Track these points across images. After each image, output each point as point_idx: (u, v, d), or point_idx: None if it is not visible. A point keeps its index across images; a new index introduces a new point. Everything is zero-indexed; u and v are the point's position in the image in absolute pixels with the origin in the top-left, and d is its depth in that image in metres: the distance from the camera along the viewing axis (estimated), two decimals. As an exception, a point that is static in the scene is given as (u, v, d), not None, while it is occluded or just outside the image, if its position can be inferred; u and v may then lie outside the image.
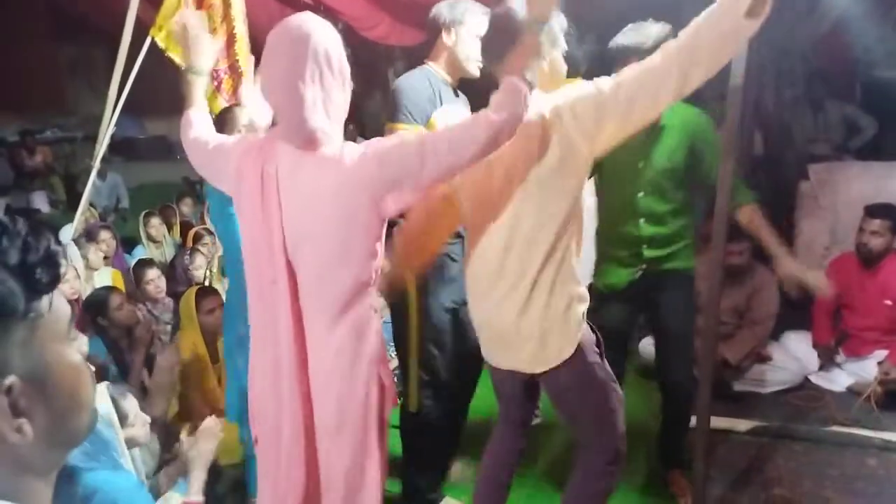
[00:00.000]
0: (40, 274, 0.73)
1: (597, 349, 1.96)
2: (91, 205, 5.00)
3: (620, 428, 2.03)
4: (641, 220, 2.47)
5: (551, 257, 1.82)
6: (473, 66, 2.39)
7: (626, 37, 2.33)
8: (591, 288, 2.62)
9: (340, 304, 1.63)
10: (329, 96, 1.59)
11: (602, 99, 1.69)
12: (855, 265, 3.69)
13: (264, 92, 1.66)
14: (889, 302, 3.57)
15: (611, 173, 2.49)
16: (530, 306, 1.85)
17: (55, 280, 0.76)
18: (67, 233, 3.97)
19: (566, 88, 1.79)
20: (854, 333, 3.69)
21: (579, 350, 1.89)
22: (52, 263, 0.75)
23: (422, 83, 2.40)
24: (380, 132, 2.70)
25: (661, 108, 1.73)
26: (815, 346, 3.77)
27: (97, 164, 3.92)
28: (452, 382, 2.56)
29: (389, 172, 1.55)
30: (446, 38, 2.41)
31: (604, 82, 1.72)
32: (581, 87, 1.75)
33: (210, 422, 2.12)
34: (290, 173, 1.61)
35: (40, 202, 7.50)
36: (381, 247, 1.66)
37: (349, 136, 7.47)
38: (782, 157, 5.78)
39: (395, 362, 3.96)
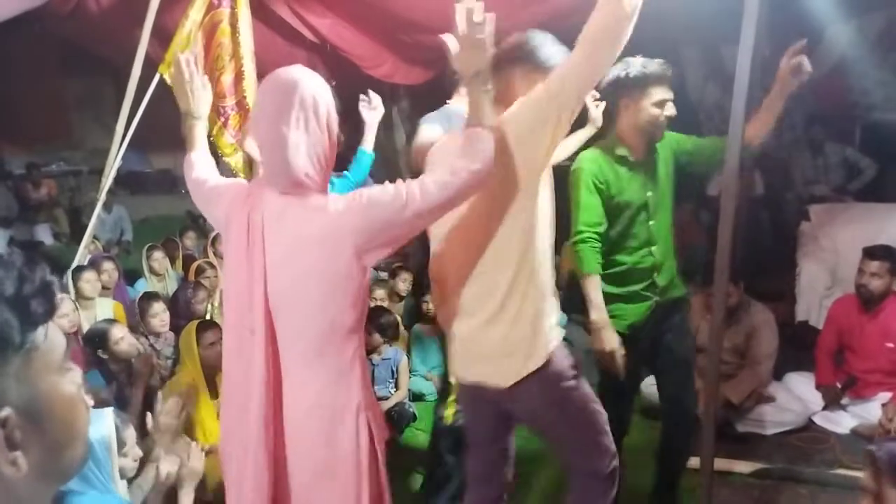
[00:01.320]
0: (36, 305, 0.73)
1: (574, 370, 1.97)
2: (95, 237, 5.02)
3: (610, 447, 2.03)
4: (653, 248, 2.53)
5: (522, 270, 1.86)
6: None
7: (647, 66, 2.43)
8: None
9: (322, 350, 1.62)
10: (314, 143, 1.60)
11: (543, 104, 1.78)
12: (856, 307, 3.69)
13: (253, 136, 1.68)
14: (891, 344, 3.55)
15: (625, 208, 2.52)
16: (500, 317, 1.88)
17: (50, 311, 0.76)
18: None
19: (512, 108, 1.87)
20: (857, 375, 3.67)
21: (553, 369, 1.90)
22: (47, 295, 0.74)
23: (442, 112, 2.57)
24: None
25: (584, 98, 1.87)
26: (817, 387, 3.75)
27: (103, 196, 3.95)
28: None
29: (372, 222, 1.57)
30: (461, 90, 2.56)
31: (539, 89, 1.80)
32: (522, 101, 1.85)
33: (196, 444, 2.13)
34: (275, 220, 1.61)
35: (44, 235, 7.53)
36: (365, 293, 1.66)
37: (352, 172, 7.52)
38: (783, 198, 5.82)
39: (395, 398, 3.95)
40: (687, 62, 5.87)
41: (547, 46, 1.92)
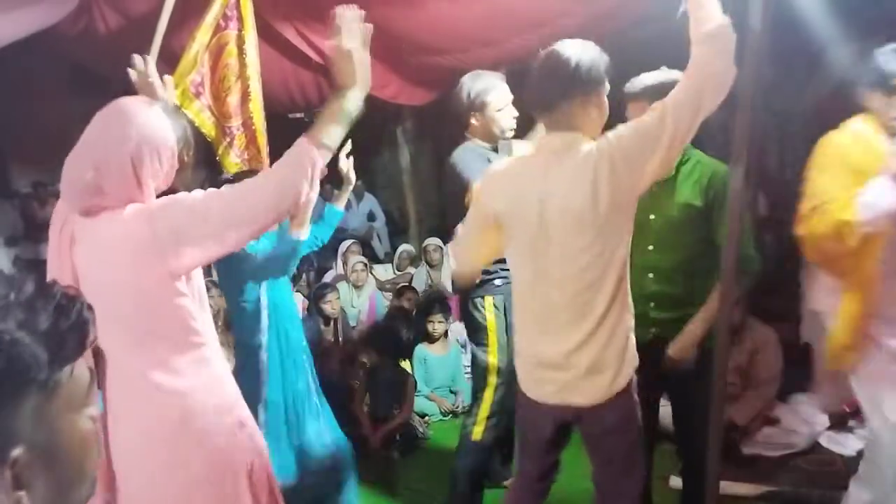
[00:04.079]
0: (69, 341, 0.71)
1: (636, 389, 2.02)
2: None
3: (644, 470, 2.09)
4: (650, 275, 2.44)
5: (616, 295, 1.89)
6: (508, 133, 2.68)
7: (633, 83, 2.37)
8: None
9: (159, 362, 1.62)
10: (117, 167, 1.58)
11: (649, 133, 1.76)
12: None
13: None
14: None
15: None
16: (594, 339, 1.89)
17: (82, 348, 0.74)
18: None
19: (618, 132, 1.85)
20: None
21: (628, 387, 1.94)
22: (81, 331, 0.73)
23: (473, 153, 2.64)
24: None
25: (694, 130, 1.79)
26: (823, 409, 3.72)
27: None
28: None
29: (163, 229, 1.55)
30: (475, 121, 2.70)
31: (647, 118, 1.79)
32: (625, 127, 1.83)
33: None
34: (81, 238, 1.63)
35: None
36: (188, 300, 1.63)
37: (357, 191, 7.60)
38: (787, 218, 5.80)
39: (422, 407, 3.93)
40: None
41: (598, 61, 1.88)
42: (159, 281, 1.58)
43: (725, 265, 2.19)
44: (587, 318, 1.88)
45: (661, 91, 2.24)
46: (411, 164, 7.04)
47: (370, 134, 6.81)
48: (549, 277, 1.91)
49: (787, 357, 3.75)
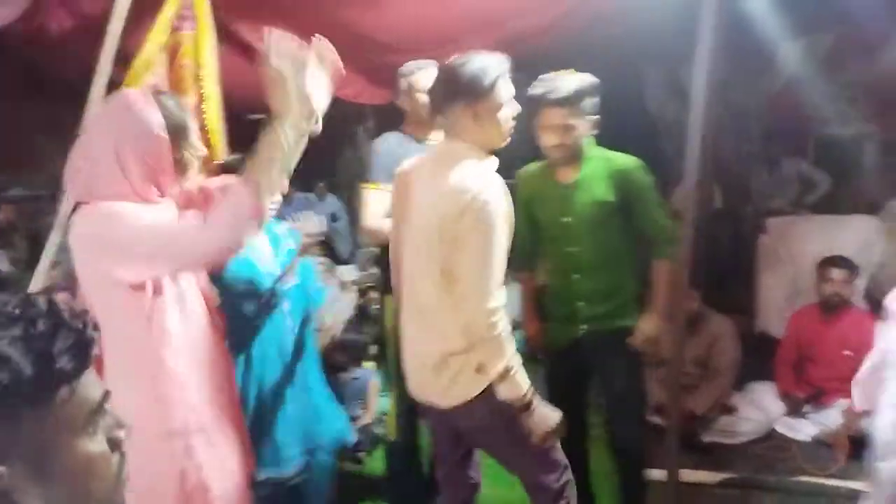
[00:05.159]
0: (63, 363, 0.67)
1: None
2: (59, 262, 4.91)
3: (560, 461, 2.02)
4: (575, 276, 2.45)
5: (446, 316, 1.87)
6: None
7: (536, 87, 2.32)
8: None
9: (124, 372, 1.59)
10: (111, 158, 1.57)
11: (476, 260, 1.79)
12: (815, 317, 3.78)
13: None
14: (848, 352, 3.63)
15: (544, 230, 2.52)
16: (433, 349, 1.91)
17: (79, 369, 0.70)
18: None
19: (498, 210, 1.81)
20: (821, 387, 3.74)
21: (487, 392, 1.88)
22: (78, 353, 0.69)
23: (395, 145, 2.59)
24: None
25: None
26: (781, 396, 3.81)
27: (62, 220, 3.88)
28: None
29: (106, 238, 1.56)
30: (404, 105, 2.68)
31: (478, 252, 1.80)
32: (487, 237, 1.79)
33: None
34: None
35: (0, 261, 7.34)
36: (140, 313, 1.60)
37: (320, 192, 7.52)
38: (741, 211, 5.94)
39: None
40: (646, 80, 6.00)
41: (485, 73, 1.84)
42: (109, 288, 1.58)
43: (681, 262, 2.25)
44: (434, 325, 1.90)
45: (581, 98, 2.27)
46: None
47: (332, 134, 6.77)
48: (413, 277, 1.95)
49: (743, 347, 3.84)
